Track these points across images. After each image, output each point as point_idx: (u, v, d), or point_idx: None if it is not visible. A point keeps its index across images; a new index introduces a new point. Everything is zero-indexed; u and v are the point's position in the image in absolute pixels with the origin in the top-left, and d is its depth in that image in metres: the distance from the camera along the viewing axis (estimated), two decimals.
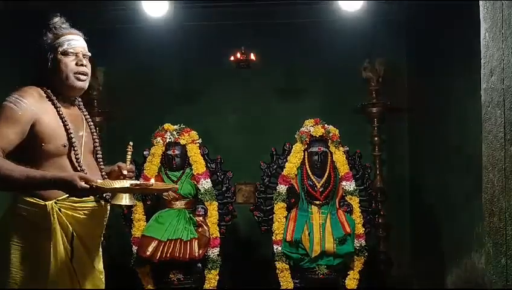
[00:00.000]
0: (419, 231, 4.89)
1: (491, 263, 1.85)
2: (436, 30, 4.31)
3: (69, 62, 2.06)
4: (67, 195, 1.97)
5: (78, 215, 2.04)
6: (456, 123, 3.85)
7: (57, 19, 2.10)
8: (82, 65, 2.08)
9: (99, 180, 1.91)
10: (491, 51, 1.85)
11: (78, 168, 2.04)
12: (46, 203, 1.98)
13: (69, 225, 2.02)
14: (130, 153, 2.16)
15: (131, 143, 2.18)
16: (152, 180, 2.08)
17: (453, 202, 3.96)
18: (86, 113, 2.21)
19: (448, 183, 4.06)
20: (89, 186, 1.83)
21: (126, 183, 1.98)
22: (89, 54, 2.14)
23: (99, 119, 4.85)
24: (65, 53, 2.06)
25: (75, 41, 2.09)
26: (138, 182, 2.03)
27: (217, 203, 4.05)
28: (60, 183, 1.84)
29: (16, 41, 4.03)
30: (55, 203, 1.99)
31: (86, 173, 1.99)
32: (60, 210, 2.00)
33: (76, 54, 2.08)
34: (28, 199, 1.98)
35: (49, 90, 2.06)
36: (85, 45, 2.14)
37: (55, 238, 1.98)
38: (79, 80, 2.08)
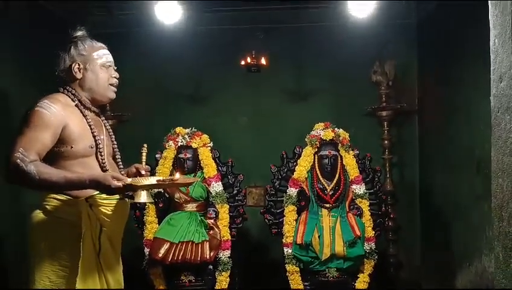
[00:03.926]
0: (429, 235, 4.88)
1: (501, 268, 1.86)
2: (447, 33, 4.31)
3: (106, 74, 2.23)
4: (96, 192, 2.09)
5: (106, 211, 2.16)
6: (467, 126, 3.85)
7: (82, 32, 2.23)
8: (115, 77, 2.26)
9: (128, 179, 2.01)
10: (500, 57, 1.87)
11: (104, 168, 2.17)
12: (77, 200, 2.09)
13: (98, 221, 2.14)
14: (144, 154, 2.28)
15: (145, 145, 2.29)
16: (177, 175, 2.16)
17: (463, 206, 3.96)
18: (103, 118, 2.34)
19: (458, 186, 4.06)
20: (121, 184, 1.94)
21: (153, 179, 2.08)
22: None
23: (112, 122, 4.87)
24: (104, 66, 2.22)
25: (109, 55, 2.26)
26: (164, 178, 2.13)
27: (227, 206, 4.09)
28: (95, 183, 1.96)
29: (19, 42, 4.02)
30: (86, 200, 2.10)
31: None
32: (90, 207, 2.11)
33: (110, 67, 2.25)
34: (56, 196, 2.10)
35: (76, 98, 2.19)
36: None
37: (86, 234, 2.09)
38: (113, 91, 2.26)
